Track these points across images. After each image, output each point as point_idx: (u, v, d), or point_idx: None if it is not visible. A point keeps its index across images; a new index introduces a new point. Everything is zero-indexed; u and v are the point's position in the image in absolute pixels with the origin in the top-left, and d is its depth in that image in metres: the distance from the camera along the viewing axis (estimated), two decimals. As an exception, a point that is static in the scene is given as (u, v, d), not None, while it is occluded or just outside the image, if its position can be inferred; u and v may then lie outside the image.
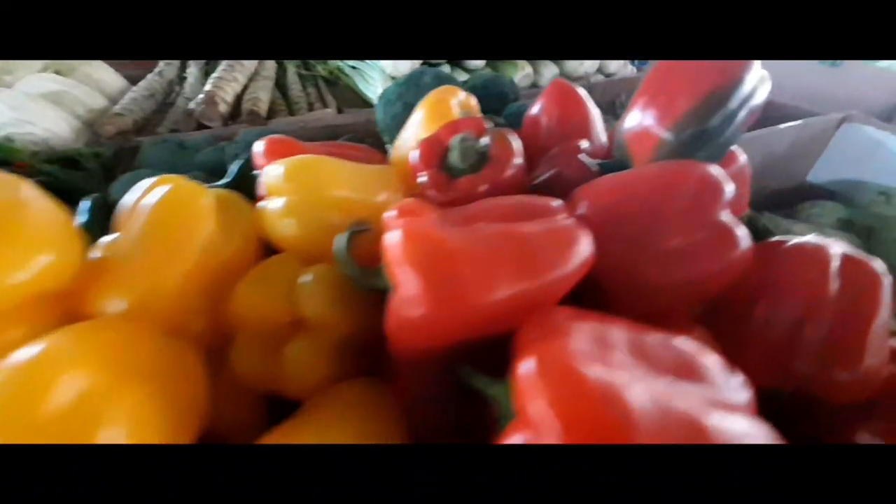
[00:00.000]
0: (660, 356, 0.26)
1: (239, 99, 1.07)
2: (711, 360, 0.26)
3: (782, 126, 0.89)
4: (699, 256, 0.33)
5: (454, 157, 0.41)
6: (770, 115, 0.98)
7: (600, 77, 1.34)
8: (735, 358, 0.34)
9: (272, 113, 1.09)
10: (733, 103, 0.37)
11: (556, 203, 0.35)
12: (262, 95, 1.05)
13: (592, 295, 0.35)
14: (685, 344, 0.27)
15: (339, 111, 1.12)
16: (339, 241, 0.32)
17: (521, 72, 1.22)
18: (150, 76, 1.22)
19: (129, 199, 0.36)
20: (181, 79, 1.29)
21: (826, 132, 0.97)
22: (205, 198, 0.35)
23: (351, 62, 1.29)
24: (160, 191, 0.34)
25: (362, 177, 0.41)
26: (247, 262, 0.36)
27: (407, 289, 0.28)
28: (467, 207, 0.34)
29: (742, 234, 0.33)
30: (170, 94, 1.23)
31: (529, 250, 0.29)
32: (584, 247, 0.30)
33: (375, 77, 1.21)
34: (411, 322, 0.28)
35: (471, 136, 0.41)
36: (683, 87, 0.39)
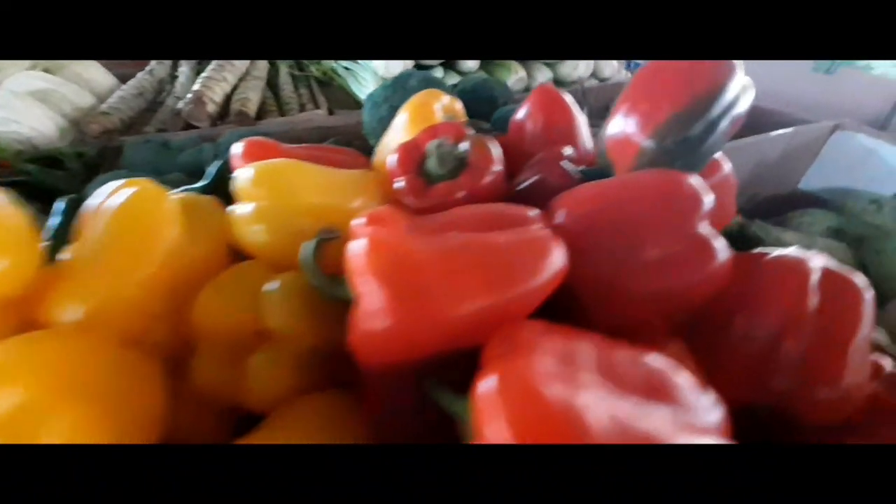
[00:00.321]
0: (629, 375, 0.25)
1: (228, 99, 1.06)
2: (682, 379, 0.25)
3: (774, 133, 0.89)
4: (676, 269, 0.32)
5: (431, 163, 0.40)
6: (762, 122, 0.98)
7: (594, 81, 1.33)
8: (713, 372, 0.33)
9: (262, 113, 1.08)
10: (715, 112, 0.37)
11: (533, 212, 0.34)
12: (252, 95, 1.04)
13: (569, 305, 0.34)
14: (656, 361, 0.26)
15: (330, 112, 1.11)
16: (306, 248, 0.31)
17: (514, 75, 1.22)
18: (140, 74, 1.21)
19: (92, 202, 0.35)
20: (172, 78, 1.28)
21: (818, 140, 0.97)
22: (169, 202, 0.34)
23: (344, 63, 1.29)
24: (123, 194, 0.33)
25: (337, 182, 0.40)
26: (214, 269, 0.35)
27: (369, 301, 0.27)
28: (440, 215, 0.33)
29: (720, 246, 0.32)
30: (160, 93, 1.22)
31: (499, 261, 0.28)
32: (557, 258, 0.30)
33: (368, 78, 1.20)
34: (374, 335, 0.27)
35: (448, 141, 0.40)
36: (665, 94, 0.38)
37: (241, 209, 0.36)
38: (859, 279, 0.33)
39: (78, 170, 0.77)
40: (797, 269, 0.33)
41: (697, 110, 0.37)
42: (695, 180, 0.33)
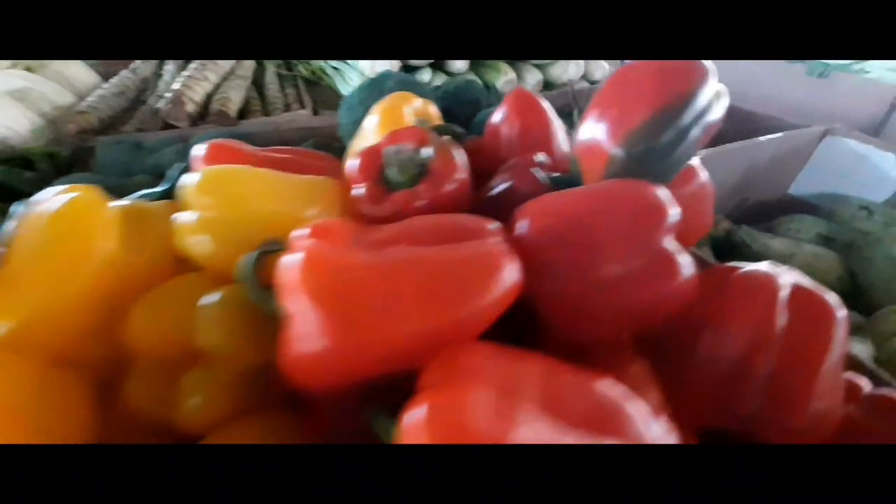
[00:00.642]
0: (576, 405, 0.23)
1: (210, 98, 1.04)
2: (634, 408, 0.24)
3: (764, 138, 0.87)
4: (638, 284, 0.30)
5: (391, 170, 0.39)
6: (752, 126, 0.96)
7: (585, 84, 1.32)
8: (678, 393, 0.31)
9: (246, 113, 1.07)
10: (686, 119, 0.35)
11: (492, 224, 0.32)
12: (233, 95, 1.02)
13: (528, 321, 0.33)
14: (608, 389, 0.24)
15: (315, 113, 1.10)
16: (246, 260, 0.29)
17: (503, 77, 1.20)
18: (123, 73, 1.19)
19: (31, 209, 0.33)
20: (157, 76, 1.26)
21: (809, 145, 0.95)
22: (107, 209, 0.32)
23: (333, 62, 1.27)
24: (58, 201, 0.31)
25: (293, 189, 0.38)
26: (158, 283, 0.34)
27: (301, 321, 0.25)
28: (391, 227, 0.31)
29: (685, 262, 0.30)
30: (144, 92, 1.20)
31: (445, 278, 0.26)
32: (509, 275, 0.28)
33: (355, 78, 1.18)
34: (307, 359, 0.25)
35: (408, 147, 0.39)
36: (635, 100, 0.36)
37: (185, 217, 0.34)
38: (831, 297, 0.31)
39: (48, 171, 0.75)
40: (766, 285, 0.31)
41: (668, 118, 0.35)
42: (660, 192, 0.31)
